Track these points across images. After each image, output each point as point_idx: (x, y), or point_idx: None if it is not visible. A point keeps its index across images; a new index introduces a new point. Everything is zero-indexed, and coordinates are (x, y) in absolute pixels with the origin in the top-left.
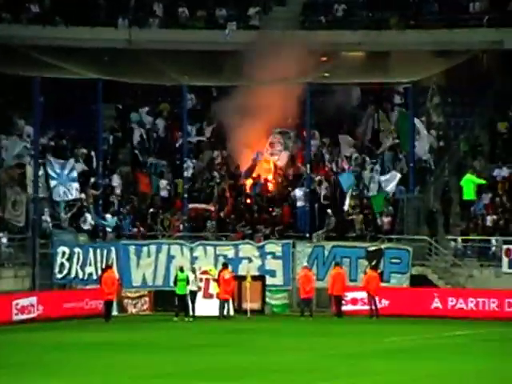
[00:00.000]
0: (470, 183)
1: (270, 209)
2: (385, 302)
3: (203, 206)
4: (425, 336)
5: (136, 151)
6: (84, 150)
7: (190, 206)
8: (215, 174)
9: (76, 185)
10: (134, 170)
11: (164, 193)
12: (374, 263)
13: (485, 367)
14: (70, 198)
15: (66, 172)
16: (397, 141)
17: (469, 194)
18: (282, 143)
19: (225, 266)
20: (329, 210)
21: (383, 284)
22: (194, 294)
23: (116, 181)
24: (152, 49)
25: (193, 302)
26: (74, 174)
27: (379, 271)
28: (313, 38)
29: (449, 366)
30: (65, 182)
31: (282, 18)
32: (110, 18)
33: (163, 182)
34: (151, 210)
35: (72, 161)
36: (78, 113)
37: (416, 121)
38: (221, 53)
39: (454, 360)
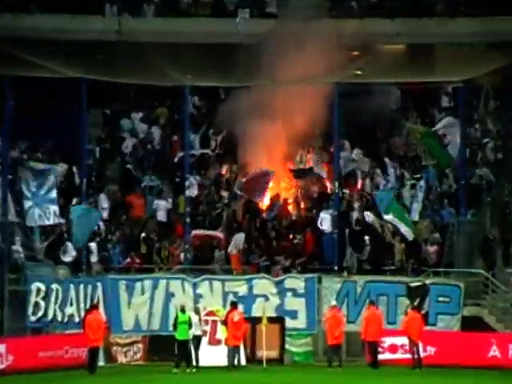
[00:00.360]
0: None
1: (291, 236)
2: (430, 350)
3: (209, 232)
4: None
5: (128, 166)
6: (64, 165)
7: (194, 232)
8: (224, 193)
9: (55, 207)
10: (124, 188)
11: (162, 216)
12: (416, 302)
13: None
14: (47, 223)
15: (42, 192)
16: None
17: None
18: (305, 156)
19: (234, 305)
20: (366, 237)
21: (428, 328)
22: (197, 339)
23: (103, 202)
24: (146, 41)
25: (196, 350)
26: (53, 194)
27: (423, 312)
28: (342, 28)
29: None
30: (41, 204)
31: (304, 5)
32: (95, 5)
33: (160, 204)
34: (143, 235)
35: (52, 178)
36: (57, 120)
37: (445, 123)
38: (230, 46)
39: None
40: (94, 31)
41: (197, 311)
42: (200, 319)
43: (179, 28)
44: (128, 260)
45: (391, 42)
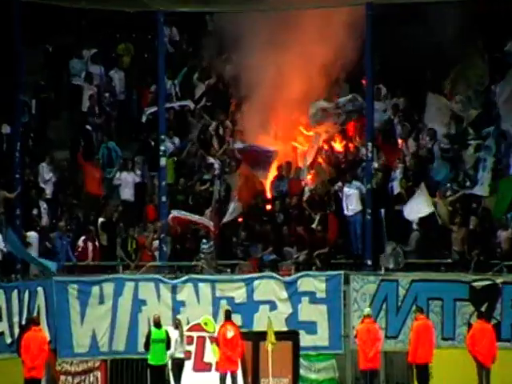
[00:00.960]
0: None
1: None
2: None
3: (194, 217)
4: None
5: (88, 126)
6: None
7: (173, 214)
8: (212, 160)
9: None
10: (76, 156)
11: (128, 194)
12: (484, 309)
13: None
14: None
15: None
16: None
17: None
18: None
19: (228, 316)
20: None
21: (500, 344)
22: (179, 364)
23: (45, 174)
24: None
25: (177, 378)
26: None
27: (493, 322)
28: None
29: None
30: None
31: None
32: None
33: (127, 177)
34: (102, 219)
35: None
36: None
37: None
38: None
39: None
40: None
41: (177, 325)
42: (182, 336)
43: None
44: (81, 245)
45: None
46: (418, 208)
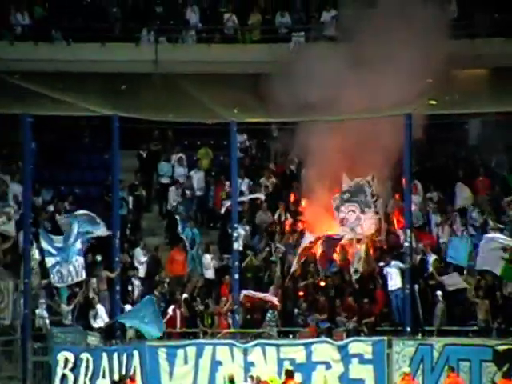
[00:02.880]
0: None
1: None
2: None
3: (262, 295)
4: None
5: (177, 217)
6: (103, 229)
7: (244, 293)
8: (278, 245)
9: (82, 260)
10: (166, 242)
11: (209, 273)
12: (506, 368)
13: None
14: (77, 279)
15: (70, 242)
16: None
17: None
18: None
19: (290, 374)
20: (438, 292)
21: None
22: None
23: (140, 257)
24: (187, 73)
25: None
26: (79, 244)
27: None
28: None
29: None
30: (69, 258)
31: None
32: (128, 32)
33: (207, 258)
34: (185, 295)
35: (75, 227)
36: (85, 164)
37: None
38: (281, 76)
39: None
40: (126, 62)
41: (257, 381)
42: None
43: (224, 56)
44: (170, 313)
45: (471, 66)
46: (456, 280)
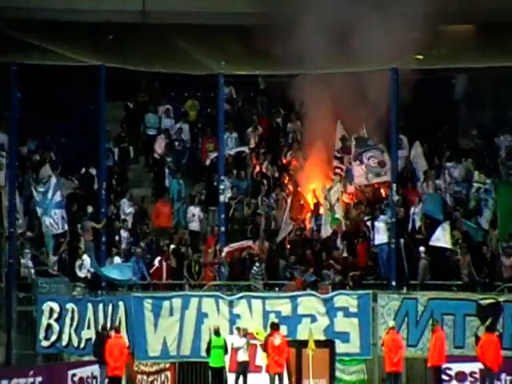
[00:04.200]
0: None
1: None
2: (505, 379)
3: (238, 244)
4: None
5: (166, 169)
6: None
7: (225, 250)
8: (264, 198)
9: (62, 212)
10: (152, 194)
11: (195, 226)
12: (488, 323)
13: None
14: (58, 231)
15: (49, 195)
16: None
17: None
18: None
19: (275, 327)
20: (421, 248)
21: (503, 353)
22: (244, 365)
23: (126, 208)
24: (174, 24)
25: (244, 379)
26: (58, 196)
27: (497, 334)
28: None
29: None
30: (49, 209)
31: None
32: None
33: (194, 211)
34: (173, 246)
35: (54, 179)
36: (72, 115)
37: None
38: (270, 28)
39: None
40: (113, 12)
41: (244, 333)
42: (248, 342)
43: (212, 7)
44: (156, 264)
45: (459, 22)
46: (442, 239)
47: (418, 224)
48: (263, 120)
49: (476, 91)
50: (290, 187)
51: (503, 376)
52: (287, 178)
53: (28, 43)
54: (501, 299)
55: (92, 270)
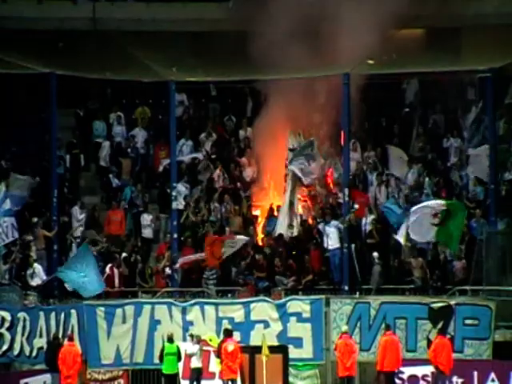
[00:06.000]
0: None
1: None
2: (457, 381)
3: (195, 256)
4: None
5: (111, 176)
6: (30, 178)
7: (181, 260)
8: (216, 205)
9: (12, 220)
10: (103, 201)
11: (147, 233)
12: (440, 326)
13: None
14: (7, 240)
15: None
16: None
17: None
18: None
19: (228, 333)
20: (375, 254)
21: (454, 355)
22: (198, 372)
23: (78, 215)
24: (125, 31)
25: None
26: (7, 204)
27: (448, 337)
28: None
29: None
30: None
31: None
32: None
33: (147, 218)
34: (124, 254)
35: (2, 187)
36: (22, 123)
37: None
38: (221, 34)
39: None
40: (64, 19)
41: (198, 340)
42: (201, 349)
43: (163, 14)
44: (107, 272)
45: (409, 26)
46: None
47: (368, 228)
48: (218, 126)
49: (427, 95)
50: (242, 194)
51: (454, 378)
52: (239, 185)
53: None
54: (452, 302)
55: (45, 277)
